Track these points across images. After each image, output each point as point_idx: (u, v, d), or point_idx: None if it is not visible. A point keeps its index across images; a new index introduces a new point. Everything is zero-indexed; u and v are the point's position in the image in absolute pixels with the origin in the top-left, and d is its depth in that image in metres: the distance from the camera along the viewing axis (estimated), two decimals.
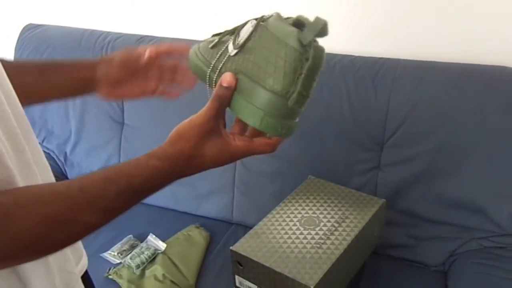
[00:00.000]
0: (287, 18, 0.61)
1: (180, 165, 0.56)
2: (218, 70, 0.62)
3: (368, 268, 1.29)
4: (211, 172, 1.61)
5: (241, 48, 0.60)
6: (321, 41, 0.57)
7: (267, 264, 1.00)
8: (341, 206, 1.16)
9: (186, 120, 0.57)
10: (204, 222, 1.49)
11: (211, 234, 1.44)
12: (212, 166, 0.58)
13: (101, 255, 1.36)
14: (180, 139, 0.56)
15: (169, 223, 1.46)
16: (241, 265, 1.06)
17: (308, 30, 0.56)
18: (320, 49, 0.57)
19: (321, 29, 0.55)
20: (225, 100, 0.58)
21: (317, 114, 1.36)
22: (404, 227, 1.33)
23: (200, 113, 0.57)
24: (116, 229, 1.43)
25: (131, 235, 1.42)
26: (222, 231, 1.47)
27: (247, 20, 0.63)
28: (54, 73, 0.75)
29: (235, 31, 0.63)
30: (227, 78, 0.58)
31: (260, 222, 1.12)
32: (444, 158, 1.26)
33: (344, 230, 1.08)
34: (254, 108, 0.58)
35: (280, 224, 1.11)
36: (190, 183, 1.52)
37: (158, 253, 1.33)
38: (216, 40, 0.64)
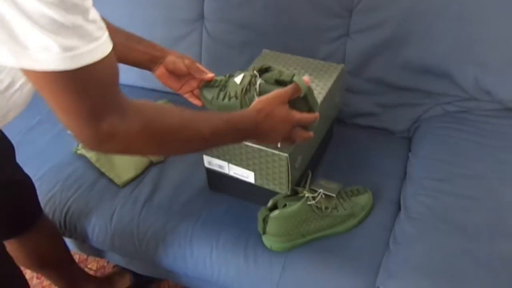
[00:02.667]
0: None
1: (259, 120, 0.82)
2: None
3: (335, 136, 1.31)
4: (178, 44, 1.48)
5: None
6: None
7: None
8: (301, 75, 1.13)
9: (271, 93, 0.86)
10: (173, 98, 1.47)
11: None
12: (276, 128, 0.85)
13: (68, 132, 1.36)
14: (263, 102, 0.85)
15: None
16: None
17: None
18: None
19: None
20: (297, 93, 0.87)
21: None
22: (371, 95, 1.33)
23: (281, 91, 0.86)
24: None
25: None
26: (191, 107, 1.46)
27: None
28: (137, 43, 0.98)
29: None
30: (307, 80, 0.88)
31: None
32: (412, 22, 1.22)
33: None
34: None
35: None
36: None
37: None
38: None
